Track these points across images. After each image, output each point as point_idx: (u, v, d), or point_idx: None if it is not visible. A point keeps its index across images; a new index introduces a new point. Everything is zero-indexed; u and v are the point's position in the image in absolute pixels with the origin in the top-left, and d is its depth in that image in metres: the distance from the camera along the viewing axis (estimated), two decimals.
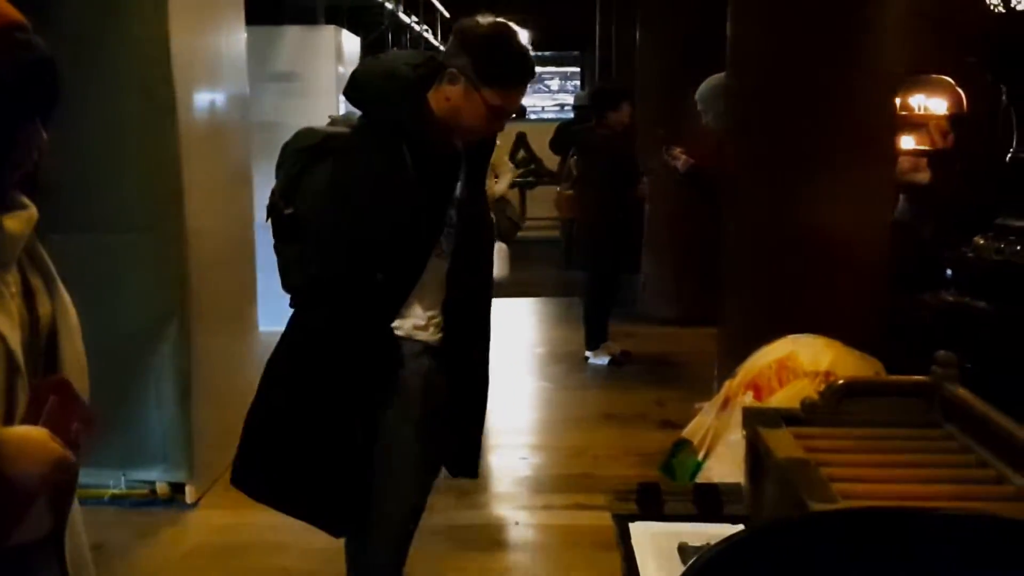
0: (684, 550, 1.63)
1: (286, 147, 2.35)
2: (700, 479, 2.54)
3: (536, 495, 4.05)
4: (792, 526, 0.93)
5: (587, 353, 6.12)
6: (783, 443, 1.58)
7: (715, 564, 0.84)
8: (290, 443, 2.33)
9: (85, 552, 1.41)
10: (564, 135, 9.05)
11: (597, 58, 12.60)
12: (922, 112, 4.37)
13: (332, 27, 7.48)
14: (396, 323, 2.31)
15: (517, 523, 3.79)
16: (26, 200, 1.34)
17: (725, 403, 2.70)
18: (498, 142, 2.53)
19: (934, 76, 4.39)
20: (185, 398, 3.81)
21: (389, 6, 10.75)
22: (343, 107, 7.14)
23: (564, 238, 9.10)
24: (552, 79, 26.22)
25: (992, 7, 2.91)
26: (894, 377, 2.06)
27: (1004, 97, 3.10)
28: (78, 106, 3.43)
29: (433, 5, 14.45)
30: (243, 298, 4.52)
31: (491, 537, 3.67)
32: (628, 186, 5.96)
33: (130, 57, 3.66)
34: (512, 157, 10.63)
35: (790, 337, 2.73)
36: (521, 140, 12.44)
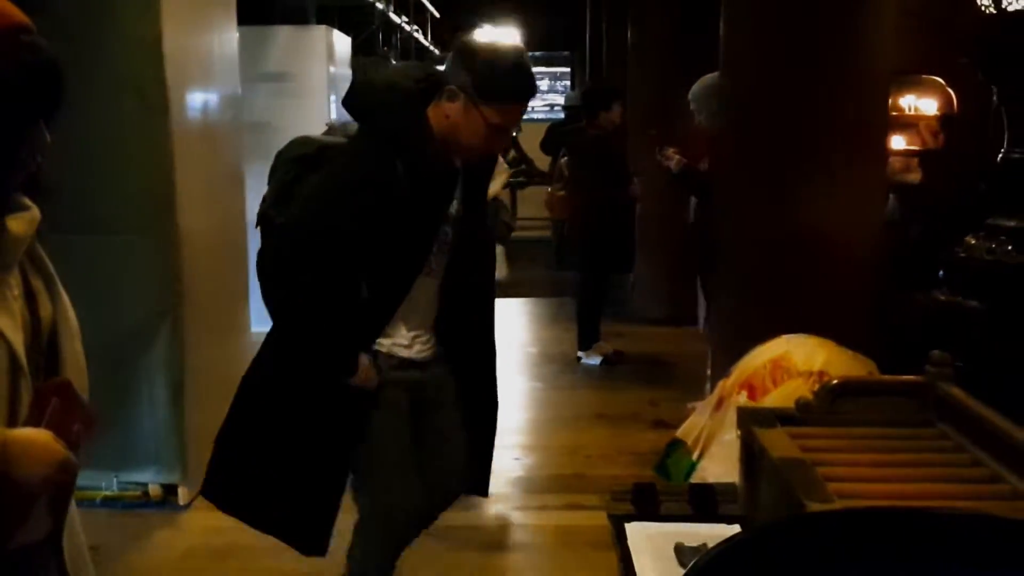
0: (680, 550, 1.63)
1: (280, 155, 2.32)
2: (695, 479, 2.55)
3: (530, 495, 4.05)
4: (792, 527, 0.93)
5: (579, 353, 6.13)
6: (778, 443, 1.58)
7: (716, 565, 0.84)
8: (261, 457, 2.32)
9: (84, 552, 1.41)
10: (555, 136, 9.06)
11: (588, 58, 12.61)
12: (913, 112, 4.39)
13: (323, 27, 7.47)
14: (378, 340, 2.31)
15: (513, 523, 3.79)
16: (28, 201, 1.34)
17: (719, 403, 2.71)
18: None
19: (925, 76, 4.41)
20: (177, 399, 3.80)
21: (380, 6, 10.75)
22: (335, 107, 7.17)
23: (555, 238, 9.10)
24: (542, 79, 26.26)
25: (983, 8, 2.92)
26: (888, 377, 2.07)
27: (995, 97, 3.11)
28: (70, 106, 3.41)
29: (423, 5, 14.44)
30: (235, 299, 4.51)
31: (486, 537, 3.67)
32: (619, 186, 5.96)
33: (123, 57, 3.65)
34: (503, 157, 10.62)
35: (784, 337, 2.74)
36: (512, 140, 12.44)
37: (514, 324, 7.25)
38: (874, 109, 3.35)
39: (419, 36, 14.78)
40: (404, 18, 12.87)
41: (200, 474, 3.93)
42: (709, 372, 4.37)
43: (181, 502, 3.84)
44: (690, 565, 0.84)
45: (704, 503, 1.84)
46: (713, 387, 2.99)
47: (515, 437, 4.70)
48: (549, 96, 24.16)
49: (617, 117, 6.02)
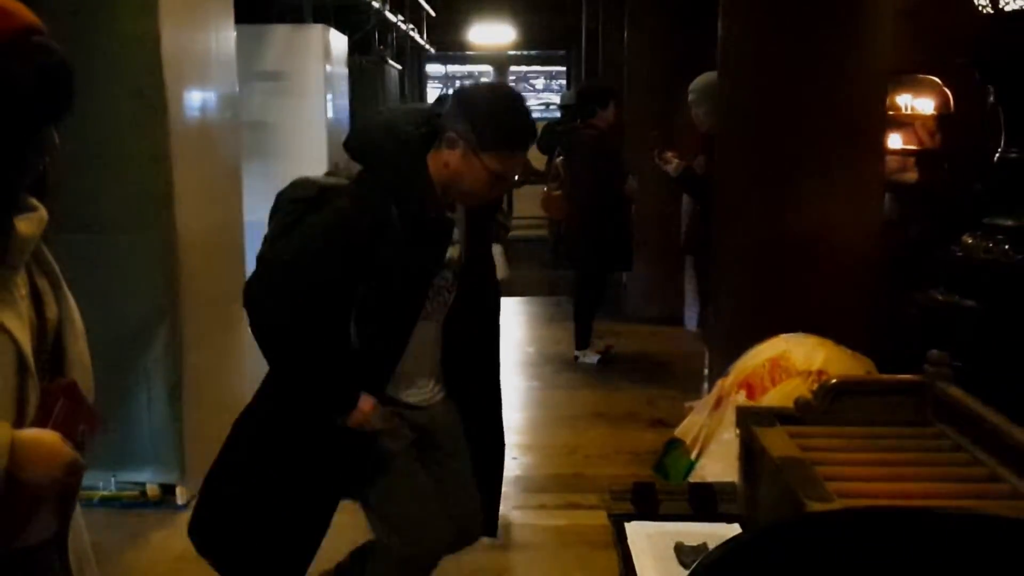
0: (681, 549, 1.64)
1: (281, 195, 2.29)
2: (693, 478, 2.56)
3: (529, 495, 4.04)
4: (795, 527, 0.94)
5: (576, 352, 6.13)
6: (778, 442, 1.59)
7: (720, 564, 0.84)
8: (246, 501, 2.29)
9: (89, 553, 1.42)
10: (551, 135, 9.05)
11: (584, 57, 12.61)
12: (910, 112, 4.40)
13: (320, 26, 7.45)
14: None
15: (511, 523, 3.80)
16: (35, 202, 1.34)
17: (718, 402, 2.72)
18: None
19: (921, 76, 4.42)
20: (175, 399, 3.79)
21: (376, 5, 10.73)
22: (331, 105, 7.16)
23: (552, 237, 9.10)
24: (537, 78, 26.23)
25: (980, 7, 2.93)
26: (887, 376, 2.07)
27: (992, 97, 3.12)
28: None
29: (419, 4, 14.43)
30: (233, 298, 4.47)
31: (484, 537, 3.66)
32: (615, 185, 5.96)
33: (121, 56, 3.64)
34: None
35: (782, 336, 2.75)
36: None
37: (511, 323, 7.26)
38: (871, 109, 3.36)
39: (415, 35, 14.77)
40: (400, 17, 12.86)
41: (198, 474, 3.95)
42: (707, 371, 4.38)
43: (179, 502, 3.84)
44: (694, 565, 0.85)
45: (704, 502, 1.85)
46: (711, 386, 2.99)
47: (513, 437, 4.69)
48: (544, 95, 24.16)
49: (612, 116, 6.02)
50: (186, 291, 3.83)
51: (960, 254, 3.03)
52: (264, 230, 2.32)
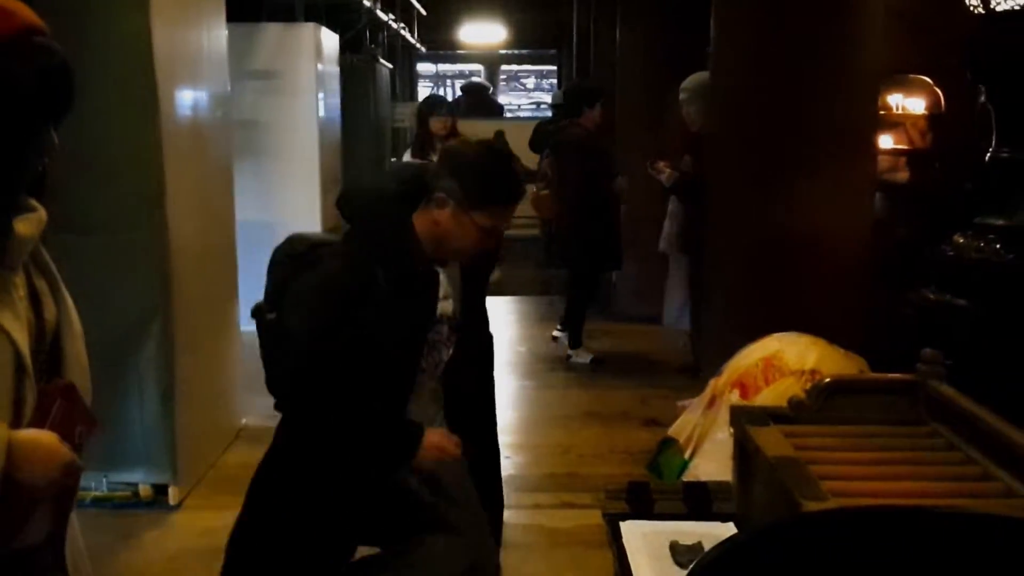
0: (676, 549, 1.64)
1: (277, 251, 2.31)
2: (687, 477, 2.56)
3: (522, 494, 4.04)
4: (791, 527, 0.94)
5: (569, 352, 6.14)
6: (772, 441, 1.60)
7: (717, 564, 0.85)
8: (273, 564, 2.30)
9: (84, 554, 1.41)
10: (540, 134, 9.06)
11: (575, 56, 12.61)
12: (901, 111, 4.42)
13: (311, 24, 7.43)
14: None
15: (505, 523, 3.79)
16: (34, 203, 1.33)
17: (711, 401, 2.72)
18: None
19: (912, 76, 4.43)
20: (168, 398, 3.78)
21: (367, 3, 10.72)
22: (322, 105, 7.14)
23: (544, 236, 9.10)
24: (528, 77, 26.21)
25: (972, 8, 2.94)
26: (880, 375, 2.08)
27: (983, 96, 3.14)
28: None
29: (410, 3, 14.42)
30: (225, 297, 4.50)
31: None
32: (603, 184, 5.95)
33: (112, 55, 3.62)
34: None
35: (775, 336, 2.76)
36: (499, 138, 12.40)
37: (503, 323, 7.25)
38: (863, 109, 3.37)
39: (406, 34, 14.76)
40: (391, 16, 12.84)
41: (190, 474, 3.94)
42: (700, 370, 4.38)
43: (172, 502, 3.83)
44: (691, 565, 0.85)
45: (698, 501, 1.85)
46: (704, 385, 3.00)
47: (506, 436, 4.68)
48: (535, 94, 24.15)
49: (599, 115, 6.01)
50: (178, 291, 3.82)
51: (951, 253, 3.05)
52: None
